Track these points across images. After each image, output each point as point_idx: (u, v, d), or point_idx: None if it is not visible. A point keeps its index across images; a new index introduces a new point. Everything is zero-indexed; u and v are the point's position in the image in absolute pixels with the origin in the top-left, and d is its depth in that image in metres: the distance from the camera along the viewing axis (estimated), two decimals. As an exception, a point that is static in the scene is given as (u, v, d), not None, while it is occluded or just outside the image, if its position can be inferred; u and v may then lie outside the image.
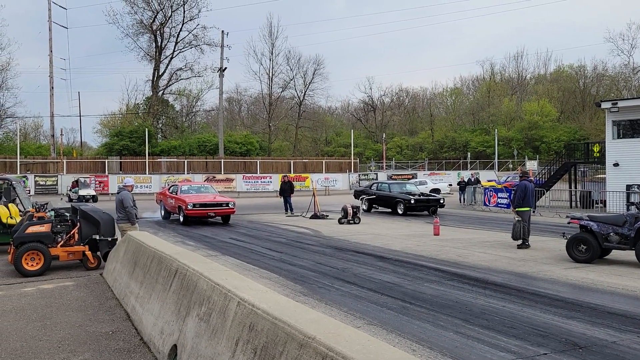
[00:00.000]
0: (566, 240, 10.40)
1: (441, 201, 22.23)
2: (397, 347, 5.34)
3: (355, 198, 24.98)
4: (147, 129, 45.27)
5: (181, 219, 17.90)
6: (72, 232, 9.87)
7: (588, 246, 9.96)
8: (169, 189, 20.35)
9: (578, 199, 23.75)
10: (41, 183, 37.61)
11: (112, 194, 34.38)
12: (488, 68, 77.28)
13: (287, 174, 26.52)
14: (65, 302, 7.35)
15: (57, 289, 8.17)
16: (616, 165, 21.42)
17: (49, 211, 10.29)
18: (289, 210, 21.95)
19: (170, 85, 58.74)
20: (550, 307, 6.88)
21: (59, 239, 9.72)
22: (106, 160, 44.12)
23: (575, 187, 25.70)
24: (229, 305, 4.19)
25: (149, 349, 5.43)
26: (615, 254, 10.49)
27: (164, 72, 56.65)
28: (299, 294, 7.80)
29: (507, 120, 65.81)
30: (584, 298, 7.32)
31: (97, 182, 37.01)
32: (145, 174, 41.48)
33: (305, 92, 65.87)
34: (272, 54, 63.80)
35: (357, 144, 63.82)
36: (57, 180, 38.36)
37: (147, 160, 43.85)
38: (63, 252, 9.60)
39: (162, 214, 20.15)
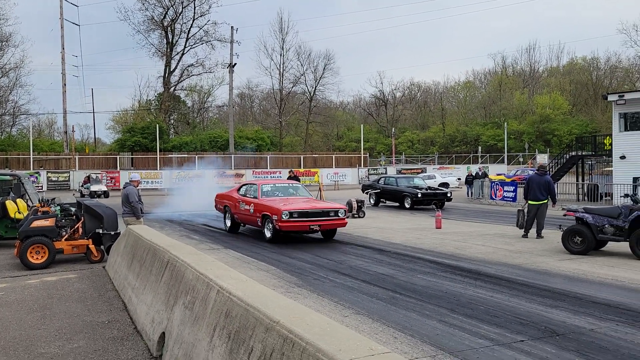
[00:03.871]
0: (562, 233, 10.49)
1: (448, 195, 22.28)
2: (379, 334, 5.52)
3: (363, 192, 25.11)
4: (158, 125, 45.75)
5: (267, 234, 12.75)
6: (76, 226, 10.16)
7: (583, 238, 10.05)
8: (238, 190, 15.11)
9: (585, 192, 23.65)
10: (53, 179, 38.21)
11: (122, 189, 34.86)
12: (500, 61, 76.75)
13: (293, 169, 26.66)
14: (66, 293, 7.62)
15: (59, 281, 8.45)
16: (623, 158, 21.31)
17: (54, 206, 10.58)
18: (295, 205, 22.00)
19: (181, 81, 59.21)
20: (537, 297, 7.00)
21: (64, 233, 10.01)
22: (118, 156, 44.68)
23: (583, 180, 25.58)
24: (210, 294, 4.39)
25: (141, 337, 5.66)
26: (610, 245, 10.55)
27: (175, 68, 57.13)
28: (293, 285, 7.99)
29: (519, 113, 65.37)
30: (572, 288, 7.42)
31: (109, 178, 37.54)
32: (156, 169, 41.96)
33: (316, 87, 65.99)
34: (282, 49, 64.03)
35: (369, 139, 63.86)
36: (69, 176, 38.96)
37: (158, 156, 44.34)
38: (67, 246, 9.89)
39: (228, 224, 15.05)
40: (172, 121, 62.09)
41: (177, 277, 5.37)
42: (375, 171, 46.02)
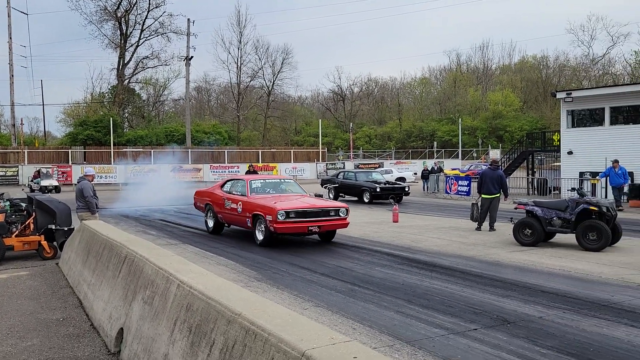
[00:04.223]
0: (513, 225, 10.89)
1: (406, 189, 22.65)
2: (339, 326, 5.62)
3: (322, 187, 25.24)
4: (112, 118, 44.58)
5: (259, 236, 11.20)
6: (27, 222, 9.85)
7: (533, 230, 10.46)
8: (222, 186, 13.51)
9: (535, 186, 24.50)
10: (1, 174, 36.78)
11: (75, 184, 33.87)
12: (454, 58, 78.44)
13: (253, 163, 26.53)
14: (18, 291, 7.40)
15: (10, 278, 8.19)
16: (570, 153, 22.19)
17: (3, 201, 10.22)
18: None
19: (136, 73, 57.89)
20: (490, 287, 7.27)
21: (14, 229, 9.69)
22: (69, 150, 43.32)
23: (533, 175, 26.49)
24: (170, 288, 4.37)
25: (98, 334, 5.58)
26: (559, 237, 11.02)
27: (130, 60, 55.77)
28: (253, 279, 8.01)
29: (473, 109, 67.03)
30: (522, 278, 7.73)
31: (60, 173, 36.39)
32: (110, 164, 40.92)
33: (274, 81, 65.72)
34: (240, 42, 63.39)
35: (327, 134, 64.11)
36: (17, 171, 37.57)
37: (112, 150, 43.25)
38: (18, 242, 9.58)
39: (210, 225, 13.39)
40: (126, 114, 60.65)
41: (136, 272, 5.32)
42: (334, 166, 46.31)
